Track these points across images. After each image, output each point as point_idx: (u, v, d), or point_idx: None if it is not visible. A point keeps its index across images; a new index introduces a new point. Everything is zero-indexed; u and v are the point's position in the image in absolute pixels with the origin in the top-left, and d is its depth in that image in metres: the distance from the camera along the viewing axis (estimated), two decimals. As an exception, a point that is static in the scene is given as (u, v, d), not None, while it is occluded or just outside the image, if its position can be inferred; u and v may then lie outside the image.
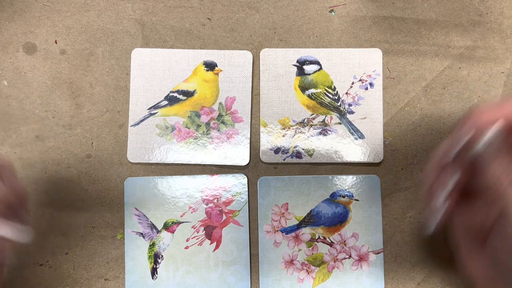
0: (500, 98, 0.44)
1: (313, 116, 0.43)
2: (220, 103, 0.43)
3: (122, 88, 0.44)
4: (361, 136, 0.43)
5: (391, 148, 0.44)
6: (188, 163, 0.43)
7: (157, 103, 0.43)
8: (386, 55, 0.44)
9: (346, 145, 0.43)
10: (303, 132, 0.43)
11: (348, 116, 0.43)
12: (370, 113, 0.43)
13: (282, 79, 0.44)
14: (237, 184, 0.43)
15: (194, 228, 0.43)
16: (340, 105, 0.43)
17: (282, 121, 0.43)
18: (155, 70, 0.44)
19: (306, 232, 0.43)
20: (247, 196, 0.43)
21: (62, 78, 0.43)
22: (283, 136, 0.43)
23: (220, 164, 0.43)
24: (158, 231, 0.42)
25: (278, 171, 0.44)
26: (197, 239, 0.42)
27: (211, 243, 0.42)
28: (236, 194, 0.43)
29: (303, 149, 0.43)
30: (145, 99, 0.43)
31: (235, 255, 0.42)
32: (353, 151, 0.43)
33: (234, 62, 0.44)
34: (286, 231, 0.43)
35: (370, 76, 0.44)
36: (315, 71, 0.44)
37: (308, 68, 0.44)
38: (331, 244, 0.43)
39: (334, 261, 0.43)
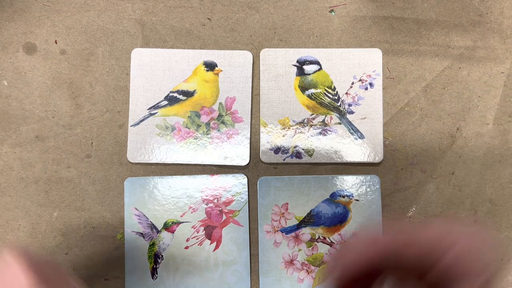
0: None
1: (313, 116, 0.43)
2: (220, 103, 0.43)
3: (122, 88, 0.44)
4: (361, 136, 0.43)
5: (391, 148, 0.44)
6: (188, 163, 0.43)
7: (157, 103, 0.43)
8: (386, 55, 0.44)
9: (346, 145, 0.43)
10: (303, 132, 0.43)
11: (348, 116, 0.43)
12: (370, 113, 0.43)
13: (282, 79, 0.44)
14: (237, 184, 0.43)
15: (194, 228, 0.43)
16: (340, 105, 0.43)
17: (282, 121, 0.43)
18: (155, 70, 0.44)
19: (306, 232, 0.43)
20: (247, 196, 0.43)
21: (62, 78, 0.43)
22: (283, 136, 0.43)
23: (220, 164, 0.43)
24: (158, 231, 0.42)
25: (278, 171, 0.44)
26: (197, 239, 0.42)
27: (211, 243, 0.42)
28: (236, 194, 0.43)
29: (303, 149, 0.43)
30: (145, 99, 0.43)
31: (235, 255, 0.42)
32: (353, 151, 0.43)
33: (234, 62, 0.44)
34: (286, 231, 0.43)
35: (370, 76, 0.44)
36: (315, 71, 0.44)
37: (308, 68, 0.44)
38: (331, 244, 0.43)
39: (334, 261, 0.42)
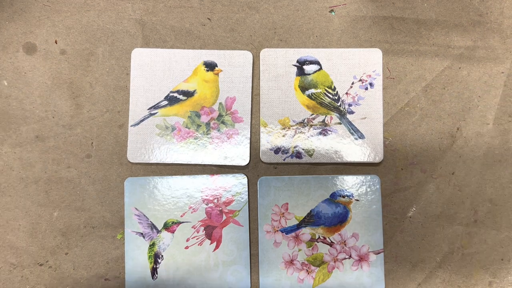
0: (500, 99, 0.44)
1: (313, 116, 0.43)
2: (220, 103, 0.43)
3: (122, 88, 0.44)
4: (361, 136, 0.43)
5: (391, 148, 0.44)
6: (188, 163, 0.43)
7: (157, 103, 0.43)
8: (386, 55, 0.44)
9: (346, 145, 0.43)
10: (303, 132, 0.43)
11: (348, 116, 0.43)
12: (370, 113, 0.43)
13: (282, 79, 0.44)
14: (237, 184, 0.43)
15: (194, 228, 0.43)
16: (340, 105, 0.43)
17: (282, 121, 0.43)
18: (155, 70, 0.44)
19: (306, 232, 0.43)
20: (247, 196, 0.43)
21: (62, 78, 0.43)
22: (283, 136, 0.43)
23: (220, 164, 0.43)
24: (158, 231, 0.42)
25: (278, 171, 0.44)
26: (197, 239, 0.42)
27: (211, 243, 0.42)
28: (236, 194, 0.43)
29: (303, 149, 0.43)
30: (145, 99, 0.43)
31: (235, 255, 0.42)
32: (353, 151, 0.43)
33: (234, 62, 0.44)
34: (286, 231, 0.43)
35: (370, 76, 0.44)
36: (315, 71, 0.44)
37: (308, 68, 0.44)
38: (331, 244, 0.43)
39: (334, 261, 0.43)
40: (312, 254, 0.43)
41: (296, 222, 0.43)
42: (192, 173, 0.44)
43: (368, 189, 0.43)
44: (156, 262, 0.42)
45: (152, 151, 0.43)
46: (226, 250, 0.42)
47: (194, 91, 0.43)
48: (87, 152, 0.43)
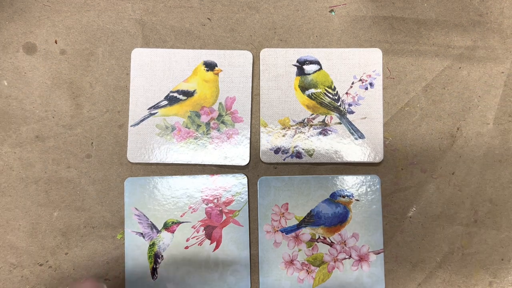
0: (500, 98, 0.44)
1: (313, 116, 0.43)
2: (220, 103, 0.43)
3: (122, 88, 0.44)
4: (361, 136, 0.43)
5: (391, 148, 0.44)
6: (188, 163, 0.43)
7: (157, 103, 0.43)
8: (386, 55, 0.44)
9: (346, 145, 0.43)
10: (303, 132, 0.43)
11: (348, 116, 0.43)
12: (370, 113, 0.43)
13: (282, 79, 0.44)
14: (237, 184, 0.43)
15: (194, 228, 0.43)
16: (340, 105, 0.43)
17: (282, 121, 0.43)
18: (155, 70, 0.44)
19: (306, 232, 0.43)
20: (247, 196, 0.43)
21: (62, 78, 0.43)
22: (283, 136, 0.43)
23: (220, 164, 0.43)
24: (158, 231, 0.42)
25: (278, 171, 0.44)
26: (197, 239, 0.42)
27: (211, 243, 0.42)
28: (236, 194, 0.43)
29: (303, 149, 0.43)
30: (145, 99, 0.43)
31: (235, 255, 0.42)
32: (353, 151, 0.43)
33: (234, 62, 0.44)
34: (286, 231, 0.43)
35: (370, 76, 0.44)
36: (315, 71, 0.44)
37: (308, 68, 0.44)
38: (331, 244, 0.43)
39: (334, 261, 0.42)
40: (312, 254, 0.42)
41: (296, 222, 0.43)
42: (192, 173, 0.44)
43: (368, 189, 0.43)
44: (156, 262, 0.42)
45: (152, 151, 0.43)
46: (226, 250, 0.42)
47: (194, 91, 0.43)
48: (87, 152, 0.43)
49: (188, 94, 0.43)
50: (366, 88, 0.43)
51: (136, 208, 0.43)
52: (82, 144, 0.43)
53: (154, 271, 0.42)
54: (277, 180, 0.43)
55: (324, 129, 0.43)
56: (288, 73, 0.44)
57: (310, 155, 0.43)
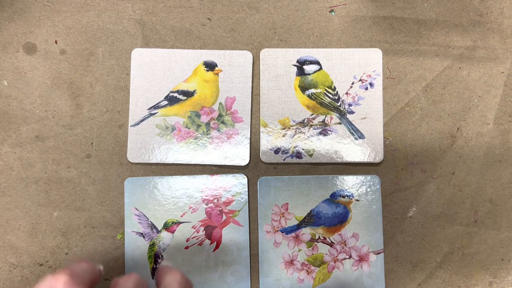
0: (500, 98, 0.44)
1: (313, 116, 0.43)
2: (220, 103, 0.43)
3: (122, 88, 0.44)
4: (361, 136, 0.43)
5: (391, 148, 0.44)
6: (188, 163, 0.43)
7: (157, 103, 0.43)
8: (386, 55, 0.44)
9: (346, 145, 0.43)
10: (303, 132, 0.43)
11: (348, 116, 0.43)
12: (370, 113, 0.43)
13: (282, 79, 0.44)
14: (237, 184, 0.43)
15: (194, 228, 0.43)
16: (340, 105, 0.43)
17: (282, 121, 0.43)
18: (155, 70, 0.44)
19: (306, 232, 0.43)
20: (247, 196, 0.43)
21: (62, 78, 0.43)
22: (283, 136, 0.43)
23: (220, 164, 0.43)
24: (158, 231, 0.42)
25: (278, 171, 0.44)
26: (197, 239, 0.42)
27: (211, 243, 0.42)
28: (236, 194, 0.43)
29: (303, 149, 0.43)
30: (145, 99, 0.43)
31: (235, 255, 0.42)
32: (353, 151, 0.43)
33: (234, 62, 0.44)
34: (286, 231, 0.43)
35: (370, 76, 0.44)
36: (315, 71, 0.44)
37: (308, 68, 0.44)
38: (331, 244, 0.43)
39: (334, 262, 0.42)
40: (312, 254, 0.42)
41: (296, 222, 0.43)
42: (192, 173, 0.44)
43: (368, 189, 0.43)
44: (156, 262, 0.42)
45: (152, 151, 0.43)
46: (226, 250, 0.42)
47: (194, 91, 0.43)
48: (87, 152, 0.43)
49: (188, 94, 0.43)
50: (366, 88, 0.43)
51: (136, 208, 0.43)
52: (82, 144, 0.43)
53: (154, 271, 0.42)
54: (277, 180, 0.43)
55: (324, 129, 0.43)
56: (288, 73, 0.44)
57: (310, 155, 0.43)
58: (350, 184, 0.43)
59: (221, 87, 0.44)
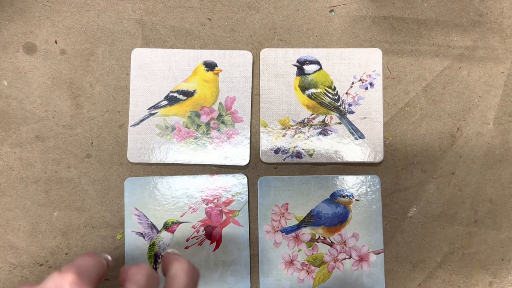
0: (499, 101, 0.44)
1: (313, 116, 0.43)
2: (220, 103, 0.43)
3: (122, 88, 0.44)
4: (361, 136, 0.43)
5: (391, 148, 0.44)
6: (188, 163, 0.43)
7: (157, 103, 0.43)
8: (386, 55, 0.44)
9: (346, 145, 0.43)
10: (303, 132, 0.43)
11: (348, 116, 0.43)
12: (370, 113, 0.43)
13: (282, 79, 0.44)
14: (237, 184, 0.43)
15: (194, 228, 0.43)
16: (340, 105, 0.43)
17: (282, 121, 0.43)
18: (155, 70, 0.44)
19: (306, 232, 0.43)
20: (247, 196, 0.43)
21: (62, 78, 0.43)
22: (283, 136, 0.43)
23: (220, 164, 0.43)
24: (158, 231, 0.42)
25: (278, 171, 0.44)
26: (197, 239, 0.42)
27: (211, 243, 0.42)
28: (236, 194, 0.43)
29: (303, 149, 0.43)
30: (145, 99, 0.43)
31: (235, 255, 0.42)
32: (353, 151, 0.43)
33: (234, 62, 0.44)
34: (286, 231, 0.43)
35: (370, 76, 0.44)
36: (315, 71, 0.44)
37: (308, 68, 0.44)
38: (331, 244, 0.43)
39: (334, 262, 0.42)
40: (312, 254, 0.42)
41: (296, 222, 0.43)
42: (192, 173, 0.44)
43: (368, 189, 0.43)
44: (156, 262, 0.42)
45: (152, 151, 0.43)
46: (226, 250, 0.42)
47: (194, 91, 0.43)
48: (87, 152, 0.43)
49: (188, 94, 0.43)
50: (366, 88, 0.43)
51: (136, 208, 0.43)
52: (82, 144, 0.43)
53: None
54: (277, 180, 0.43)
55: (324, 129, 0.43)
56: (288, 73, 0.44)
57: (310, 155, 0.43)
58: (350, 184, 0.43)
59: (221, 87, 0.44)
